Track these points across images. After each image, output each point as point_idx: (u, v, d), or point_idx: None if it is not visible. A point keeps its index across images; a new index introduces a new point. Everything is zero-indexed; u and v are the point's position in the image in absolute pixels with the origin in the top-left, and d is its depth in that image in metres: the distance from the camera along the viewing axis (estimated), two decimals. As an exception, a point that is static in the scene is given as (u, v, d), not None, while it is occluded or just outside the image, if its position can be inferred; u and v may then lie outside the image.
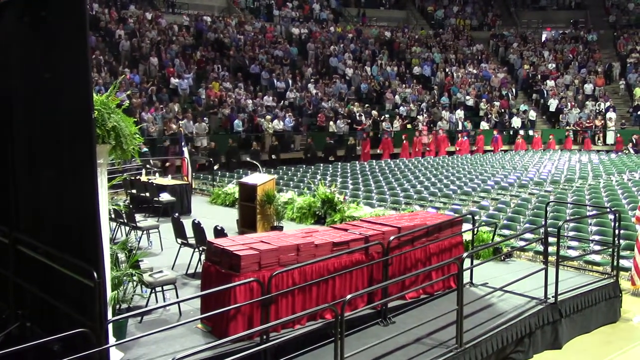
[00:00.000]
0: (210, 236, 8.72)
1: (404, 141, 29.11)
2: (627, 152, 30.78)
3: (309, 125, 28.50)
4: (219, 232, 8.73)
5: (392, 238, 7.67)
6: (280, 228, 11.03)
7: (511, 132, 33.30)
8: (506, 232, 12.13)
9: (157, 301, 7.59)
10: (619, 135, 32.74)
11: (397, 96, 33.29)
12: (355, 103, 31.06)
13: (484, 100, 35.03)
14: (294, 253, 7.12)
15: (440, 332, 6.82)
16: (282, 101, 29.41)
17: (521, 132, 32.98)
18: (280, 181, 19.02)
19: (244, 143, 25.61)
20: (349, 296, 6.02)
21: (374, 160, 25.80)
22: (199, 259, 9.11)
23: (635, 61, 37.49)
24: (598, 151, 30.99)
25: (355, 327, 7.05)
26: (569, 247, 11.24)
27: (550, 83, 37.41)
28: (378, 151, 28.70)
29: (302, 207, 13.85)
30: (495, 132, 31.98)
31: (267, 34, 35.07)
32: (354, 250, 7.48)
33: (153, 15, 32.00)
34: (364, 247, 7.57)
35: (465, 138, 31.01)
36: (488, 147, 31.29)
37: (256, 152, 23.98)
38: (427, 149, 29.92)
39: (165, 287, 7.73)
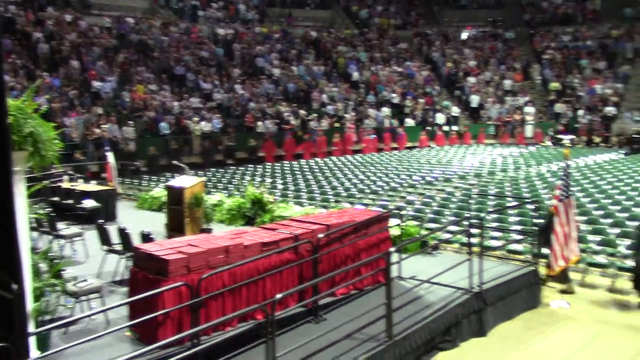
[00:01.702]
0: (137, 242, 8.55)
1: (334, 139, 29.26)
2: (544, 144, 32.10)
3: (236, 126, 28.32)
4: (146, 237, 8.58)
5: (321, 236, 7.75)
6: (210, 230, 10.93)
7: (435, 128, 34.09)
8: (432, 225, 12.44)
9: (82, 311, 7.38)
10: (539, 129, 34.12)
11: (324, 95, 33.52)
12: (283, 103, 31.09)
13: (409, 97, 35.77)
14: (223, 255, 7.08)
15: (370, 327, 6.93)
16: (209, 102, 29.08)
17: (445, 128, 33.86)
18: (209, 183, 18.84)
19: (176, 145, 25.21)
20: (279, 296, 6.03)
21: (302, 160, 25.91)
22: (126, 266, 8.92)
23: (550, 57, 39.13)
24: (518, 144, 32.21)
25: (286, 327, 7.07)
26: (492, 238, 11.62)
27: (471, 79, 38.58)
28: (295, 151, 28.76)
29: (232, 208, 13.77)
30: (400, 130, 32.37)
31: (192, 34, 34.60)
32: (284, 250, 7.50)
33: (73, 17, 30.97)
34: (293, 246, 7.60)
35: (373, 136, 31.00)
36: (423, 144, 31.95)
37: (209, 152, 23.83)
38: (334, 147, 29.47)
39: (90, 296, 7.53)
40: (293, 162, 24.84)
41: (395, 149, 31.07)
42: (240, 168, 23.14)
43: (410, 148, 31.09)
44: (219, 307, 6.87)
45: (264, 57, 34.79)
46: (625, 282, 10.03)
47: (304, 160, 25.57)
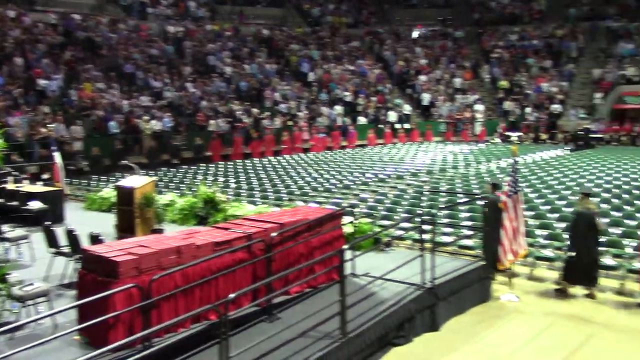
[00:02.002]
0: (86, 243, 8.35)
1: (283, 138, 29.17)
2: (493, 141, 32.76)
3: (188, 125, 27.97)
4: (95, 239, 8.39)
5: (274, 234, 7.72)
6: (161, 231, 10.76)
7: (387, 126, 34.37)
8: (385, 222, 12.54)
9: (29, 315, 7.17)
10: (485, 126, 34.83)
11: (277, 94, 33.43)
12: (235, 101, 30.87)
13: (361, 95, 36.00)
14: (175, 255, 6.98)
15: (325, 324, 6.94)
16: (160, 101, 28.65)
17: (397, 125, 34.21)
18: (161, 183, 18.57)
19: (121, 145, 24.73)
20: (232, 295, 5.98)
21: (252, 159, 25.78)
22: (74, 268, 8.70)
23: (499, 56, 39.96)
24: (468, 141, 32.80)
25: (240, 326, 7.02)
26: (444, 234, 11.80)
27: (422, 78, 39.07)
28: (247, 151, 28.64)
29: (184, 208, 13.60)
30: (351, 128, 32.35)
31: (141, 32, 34.01)
32: (237, 249, 7.45)
33: (16, 13, 30.04)
34: (246, 245, 7.55)
35: (323, 135, 30.84)
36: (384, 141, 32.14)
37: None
38: (283, 146, 29.23)
39: (37, 300, 7.32)
40: (240, 162, 24.57)
41: (344, 147, 31.06)
42: (192, 167, 22.87)
43: (361, 146, 31.24)
44: (171, 308, 6.78)
45: (215, 55, 34.47)
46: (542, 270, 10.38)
47: (255, 159, 25.39)
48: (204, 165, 23.72)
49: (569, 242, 10.14)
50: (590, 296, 9.72)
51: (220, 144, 27.25)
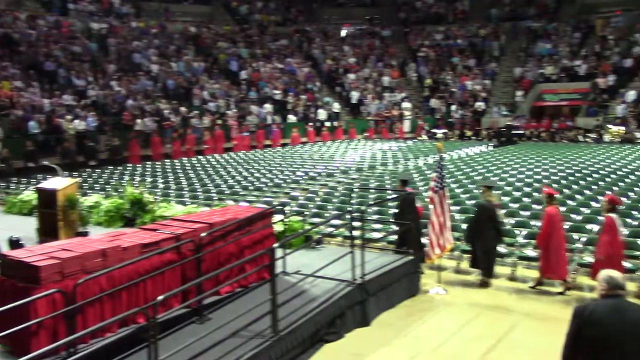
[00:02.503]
0: (4, 248, 8.01)
1: (205, 137, 28.75)
2: (421, 138, 33.47)
3: (114, 124, 27.23)
4: (15, 243, 8.07)
5: (203, 234, 7.62)
6: (86, 234, 10.44)
7: (317, 124, 34.57)
8: (316, 220, 12.60)
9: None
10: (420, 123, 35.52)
11: (205, 92, 33.02)
12: (163, 100, 30.30)
13: (291, 94, 36.04)
14: (100, 258, 6.78)
15: (256, 323, 6.91)
16: (83, 100, 27.77)
17: (327, 123, 34.46)
18: (85, 184, 18.02)
19: (42, 146, 23.82)
20: (160, 297, 5.87)
21: (185, 158, 25.40)
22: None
23: (425, 55, 40.85)
24: (397, 138, 33.38)
25: (170, 328, 6.90)
26: (373, 230, 11.96)
27: (351, 76, 39.52)
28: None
29: (110, 210, 13.20)
30: (274, 127, 32.23)
31: (63, 29, 32.87)
32: (165, 250, 7.31)
33: None
34: (175, 246, 7.42)
35: (246, 134, 30.35)
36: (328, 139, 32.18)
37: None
38: (205, 146, 28.57)
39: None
40: (168, 162, 24.10)
41: (268, 146, 30.84)
42: (118, 168, 22.27)
43: (285, 145, 31.13)
44: (97, 313, 6.58)
45: (141, 53, 33.73)
46: (496, 266, 10.73)
47: (182, 159, 24.96)
48: (130, 166, 23.17)
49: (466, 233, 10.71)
50: (484, 284, 10.17)
51: (138, 144, 26.25)
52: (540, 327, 8.36)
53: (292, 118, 34.14)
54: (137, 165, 23.22)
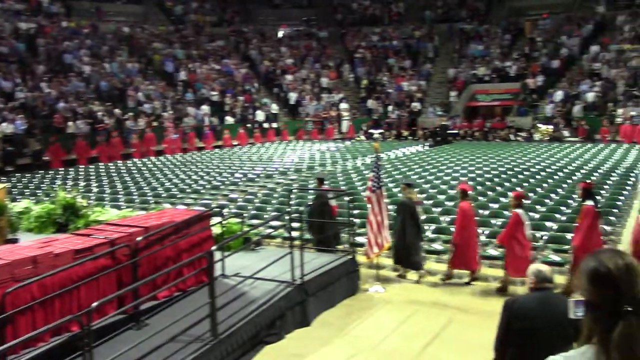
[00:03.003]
0: None
1: (133, 140, 28.13)
2: (359, 139, 33.81)
3: (44, 127, 26.34)
4: (-62, 253, 7.69)
5: (139, 239, 7.48)
6: (16, 240, 10.07)
7: (255, 125, 34.40)
8: (255, 221, 12.55)
9: None
10: (351, 124, 35.87)
11: (140, 93, 32.37)
12: (96, 102, 29.52)
13: (228, 95, 35.76)
14: (31, 265, 6.55)
15: (195, 327, 6.83)
16: (11, 102, 26.74)
17: (265, 124, 34.38)
18: (15, 189, 17.38)
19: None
20: (94, 304, 5.73)
21: (120, 161, 24.83)
22: None
23: (361, 56, 41.28)
24: (335, 139, 33.61)
25: (106, 336, 6.74)
26: (313, 230, 11.97)
27: (289, 77, 39.52)
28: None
29: (41, 215, 12.76)
30: (206, 129, 31.71)
31: (-12, 28, 31.62)
32: (99, 256, 7.13)
33: None
34: (109, 251, 7.25)
35: (175, 136, 29.68)
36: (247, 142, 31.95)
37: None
38: (133, 149, 28.00)
39: None
40: (102, 165, 23.55)
41: (203, 148, 30.37)
42: (49, 172, 21.58)
43: (219, 147, 30.75)
44: (28, 322, 6.36)
45: (72, 54, 32.74)
46: (430, 263, 10.98)
47: (108, 163, 24.36)
48: (62, 170, 22.47)
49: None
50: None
51: (59, 148, 25.28)
52: (475, 321, 8.58)
53: (230, 119, 33.87)
54: (60, 170, 22.46)
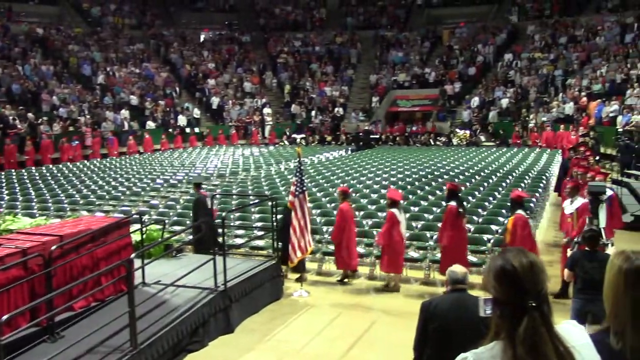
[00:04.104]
0: None
1: (63, 144, 27.22)
2: (282, 144, 33.82)
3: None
4: None
5: (53, 248, 7.18)
6: None
7: (177, 130, 33.78)
8: (177, 228, 12.33)
9: None
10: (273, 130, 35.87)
11: (55, 97, 31.16)
12: (7, 105, 28.19)
13: (148, 99, 34.99)
14: None
15: (114, 338, 6.63)
16: None
17: (187, 129, 33.86)
18: None
19: None
20: (4, 317, 5.47)
21: (33, 167, 23.78)
22: None
23: (284, 61, 41.36)
24: (259, 144, 33.49)
25: (18, 350, 6.44)
26: (236, 236, 11.91)
27: (211, 82, 39.09)
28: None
29: (-54, 225, 12.10)
30: (110, 135, 29.96)
31: None
32: (10, 266, 6.80)
33: None
34: (21, 261, 6.93)
35: (75, 143, 28.05)
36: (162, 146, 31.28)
37: None
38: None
39: None
40: (14, 172, 22.49)
41: (105, 155, 28.99)
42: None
43: (122, 154, 29.65)
44: None
45: (-19, 55, 31.20)
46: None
47: (43, 167, 23.37)
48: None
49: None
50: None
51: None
52: (397, 322, 8.73)
53: (151, 124, 33.13)
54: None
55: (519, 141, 30.36)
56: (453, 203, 10.14)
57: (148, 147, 30.80)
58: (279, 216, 10.55)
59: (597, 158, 20.15)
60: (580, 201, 9.88)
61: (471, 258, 10.50)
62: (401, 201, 10.99)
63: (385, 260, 10.26)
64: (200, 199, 11.65)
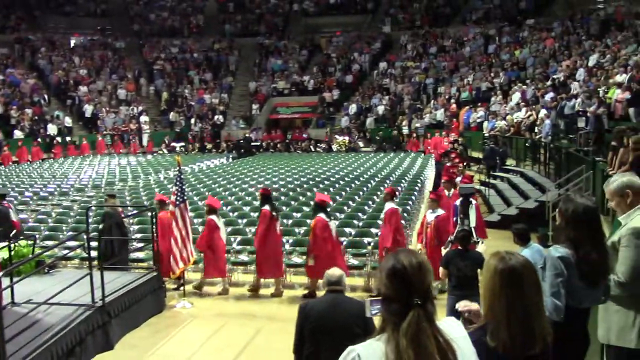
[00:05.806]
0: None
1: None
2: (161, 152, 33.02)
3: None
4: None
5: None
6: None
7: (47, 140, 32.06)
8: (49, 242, 11.69)
9: None
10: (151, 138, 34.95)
11: None
12: None
13: (14, 107, 32.88)
14: None
15: (-21, 364, 6.17)
16: None
17: (58, 138, 32.21)
18: None
19: None
20: None
21: None
22: None
23: (161, 68, 40.41)
24: (136, 153, 32.48)
25: None
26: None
27: (83, 89, 37.39)
28: None
29: None
30: None
31: None
32: None
33: None
34: None
35: None
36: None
37: None
38: None
39: None
40: None
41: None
42: None
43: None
44: None
45: None
46: (238, 274, 11.06)
47: None
48: None
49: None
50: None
51: None
52: (282, 329, 8.73)
53: (18, 134, 31.13)
54: None
55: (416, 148, 30.52)
56: (267, 207, 10.41)
57: (23, 157, 28.95)
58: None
59: (466, 164, 21.30)
60: (440, 212, 10.08)
61: (352, 261, 10.77)
62: (218, 209, 11.26)
63: (211, 265, 10.38)
64: (3, 210, 10.96)
